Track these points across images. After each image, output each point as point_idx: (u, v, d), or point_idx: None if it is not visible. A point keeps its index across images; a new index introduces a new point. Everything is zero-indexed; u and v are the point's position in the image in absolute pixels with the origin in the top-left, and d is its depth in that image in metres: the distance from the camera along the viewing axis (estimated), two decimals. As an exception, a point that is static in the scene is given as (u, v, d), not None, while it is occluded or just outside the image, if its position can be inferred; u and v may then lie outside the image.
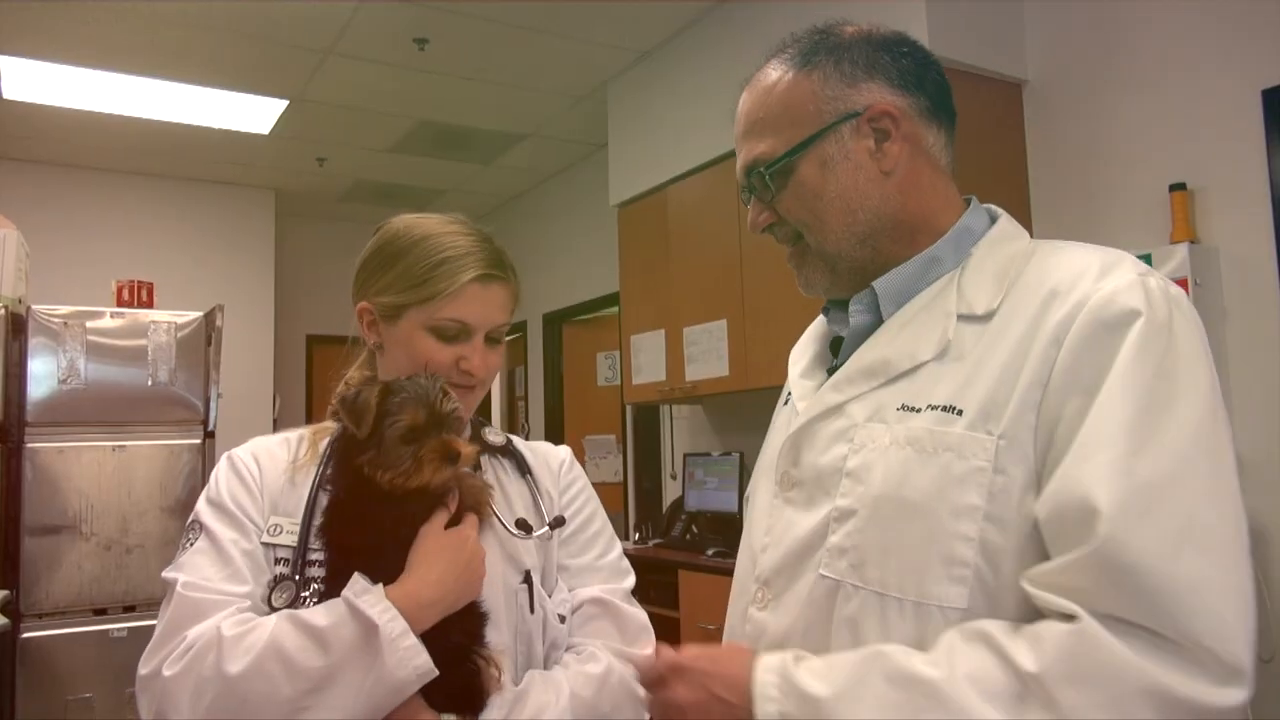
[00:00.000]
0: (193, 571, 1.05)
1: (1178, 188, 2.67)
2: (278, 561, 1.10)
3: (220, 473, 1.16)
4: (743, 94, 1.07)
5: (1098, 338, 0.84)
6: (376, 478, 1.03)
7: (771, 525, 1.02)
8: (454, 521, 1.09)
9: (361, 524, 1.05)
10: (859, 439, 0.94)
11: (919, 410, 0.91)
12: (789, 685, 0.85)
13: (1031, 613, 0.82)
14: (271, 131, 5.21)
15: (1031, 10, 3.15)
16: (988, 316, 0.92)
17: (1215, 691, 0.74)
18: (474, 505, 1.11)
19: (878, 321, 1.01)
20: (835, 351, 1.08)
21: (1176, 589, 0.75)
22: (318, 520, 1.11)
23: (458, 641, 1.04)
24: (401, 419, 1.03)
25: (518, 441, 1.30)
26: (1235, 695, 0.74)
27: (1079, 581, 0.78)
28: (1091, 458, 0.80)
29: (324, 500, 1.12)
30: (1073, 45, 3.03)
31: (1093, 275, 0.88)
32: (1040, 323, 0.87)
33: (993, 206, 1.06)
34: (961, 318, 0.94)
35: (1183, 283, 2.54)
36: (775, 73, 1.03)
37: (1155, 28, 2.80)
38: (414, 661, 0.97)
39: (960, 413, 0.88)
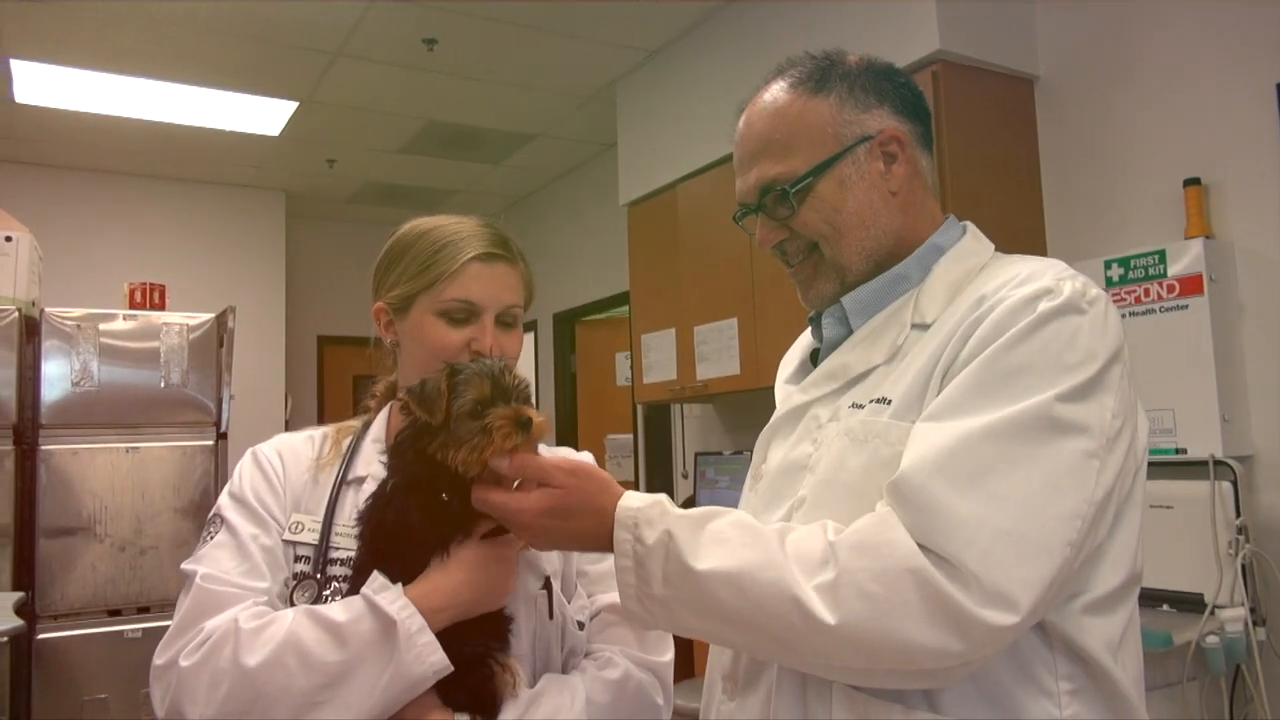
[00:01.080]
0: (212, 564, 1.06)
1: (1192, 183, 2.64)
2: (298, 559, 1.10)
3: (244, 467, 1.16)
4: (745, 114, 1.12)
5: (993, 326, 0.92)
6: (449, 460, 1.01)
7: None
8: (498, 532, 1.08)
9: (401, 520, 1.05)
10: (820, 438, 1.04)
11: (863, 406, 1.01)
12: (654, 500, 0.96)
13: None
14: (281, 133, 5.22)
15: (1043, 6, 3.13)
16: (932, 324, 1.01)
17: (974, 607, 0.81)
18: None
19: (849, 333, 1.09)
20: (815, 361, 1.16)
21: (953, 518, 0.84)
22: (339, 519, 1.11)
23: (476, 645, 1.03)
24: (467, 395, 1.02)
25: (540, 447, 1.29)
26: (994, 617, 0.81)
27: (889, 500, 0.89)
28: (932, 416, 0.91)
29: (347, 499, 1.12)
30: (1084, 40, 3.01)
31: (1017, 281, 0.95)
32: (961, 324, 0.96)
33: (968, 224, 1.13)
34: (914, 326, 1.03)
35: (1197, 279, 2.52)
36: (785, 95, 1.09)
37: (1168, 22, 2.78)
38: (430, 658, 0.98)
39: (889, 403, 0.98)
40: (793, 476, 1.04)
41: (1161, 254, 2.61)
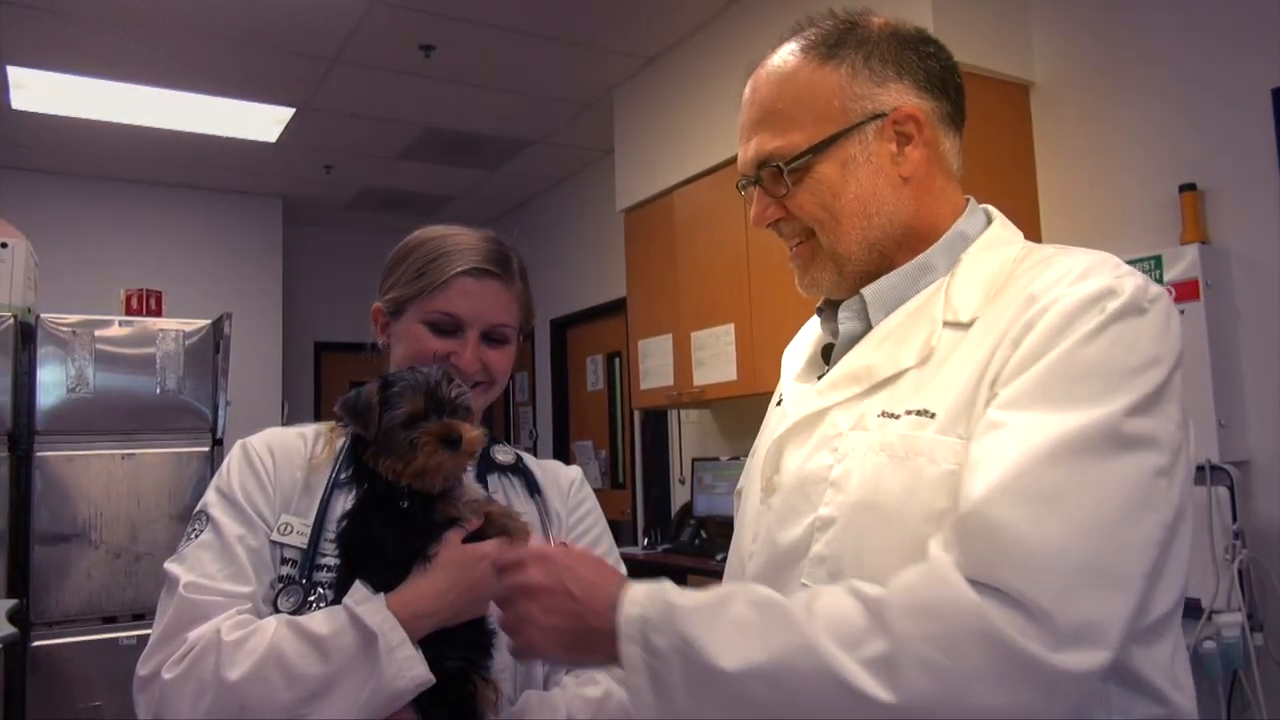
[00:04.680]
0: (195, 568, 1.04)
1: (1188, 188, 2.65)
2: (284, 562, 1.08)
3: (233, 462, 1.14)
4: (754, 77, 1.03)
5: (1050, 328, 0.83)
6: (379, 468, 1.01)
7: (757, 532, 1.01)
8: (478, 539, 1.06)
9: (376, 533, 1.04)
10: (843, 448, 0.93)
11: (898, 416, 0.90)
12: (657, 594, 0.85)
13: None
14: (279, 139, 5.22)
15: (1039, 11, 3.13)
16: (970, 323, 0.91)
17: (1052, 654, 0.73)
18: (515, 534, 1.09)
19: (868, 328, 0.99)
20: (828, 357, 1.07)
21: (1027, 550, 0.75)
22: (330, 523, 1.09)
23: (459, 659, 1.03)
24: (401, 408, 1.02)
25: (528, 459, 1.28)
26: (1075, 661, 0.73)
27: (950, 538, 0.79)
28: (993, 430, 0.81)
29: (338, 502, 1.11)
30: (1080, 46, 3.01)
31: (1070, 279, 0.86)
32: (1011, 325, 0.86)
33: (989, 208, 1.04)
34: (947, 324, 0.93)
35: (1193, 284, 2.52)
36: (794, 60, 0.99)
37: (1163, 27, 2.78)
38: (411, 672, 0.97)
39: (933, 416, 0.88)
40: (810, 490, 0.94)
41: (1158, 259, 2.61)
